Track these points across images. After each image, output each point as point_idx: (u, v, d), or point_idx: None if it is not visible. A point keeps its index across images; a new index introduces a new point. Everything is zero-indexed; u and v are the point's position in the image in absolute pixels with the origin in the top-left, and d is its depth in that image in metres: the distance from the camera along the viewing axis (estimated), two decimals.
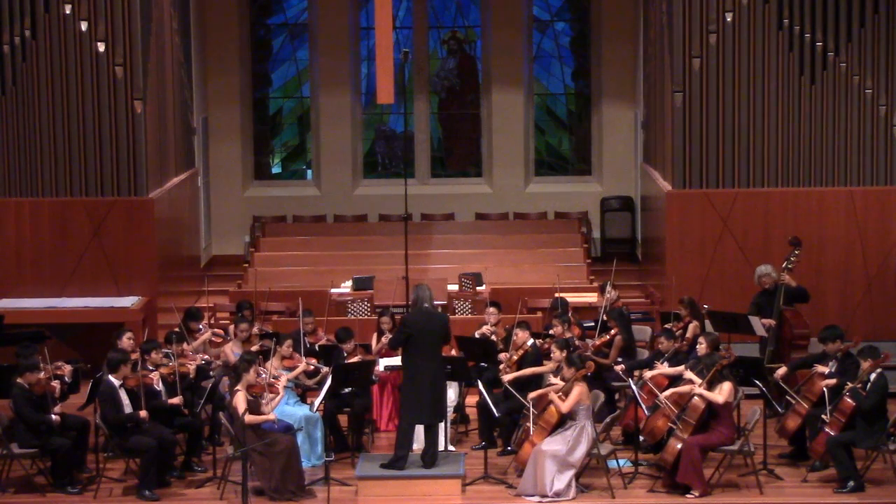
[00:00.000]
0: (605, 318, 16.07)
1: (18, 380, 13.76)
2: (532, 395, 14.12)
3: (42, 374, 13.88)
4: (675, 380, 14.32)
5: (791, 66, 18.10)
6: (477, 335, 15.93)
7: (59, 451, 13.79)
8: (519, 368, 15.01)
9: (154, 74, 18.71)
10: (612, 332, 15.77)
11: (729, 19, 17.99)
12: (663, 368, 14.58)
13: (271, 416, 13.55)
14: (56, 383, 13.91)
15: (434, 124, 24.10)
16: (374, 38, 17.32)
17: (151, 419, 13.81)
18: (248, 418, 13.47)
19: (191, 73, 21.59)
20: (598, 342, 15.75)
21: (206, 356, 15.35)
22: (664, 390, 14.10)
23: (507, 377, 14.85)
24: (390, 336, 15.00)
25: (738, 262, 18.05)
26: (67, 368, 14.49)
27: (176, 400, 14.12)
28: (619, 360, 15.56)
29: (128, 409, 13.76)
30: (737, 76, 18.07)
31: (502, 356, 15.26)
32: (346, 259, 20.83)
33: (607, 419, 14.14)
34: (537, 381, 14.74)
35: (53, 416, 13.72)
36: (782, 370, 14.84)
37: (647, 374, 14.55)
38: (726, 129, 18.13)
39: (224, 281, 20.70)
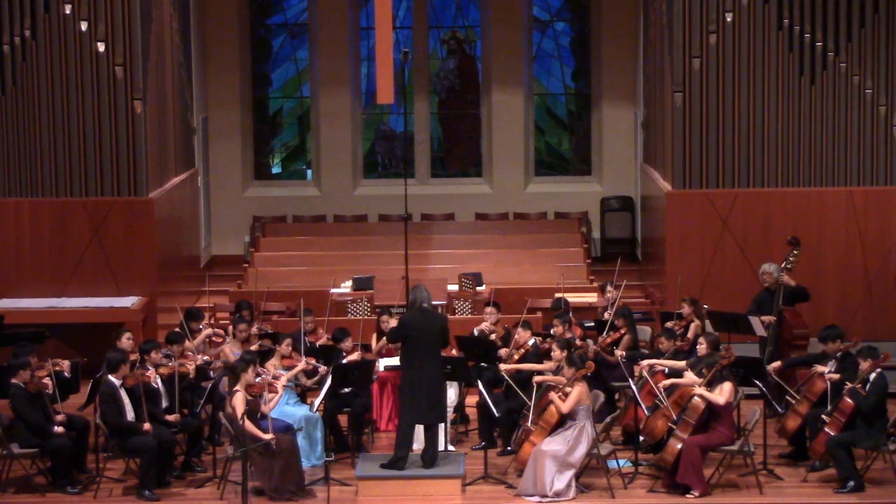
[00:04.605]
0: (606, 316, 16.09)
1: (13, 380, 13.76)
2: (537, 378, 14.14)
3: (42, 371, 13.89)
4: (675, 376, 14.35)
5: (791, 66, 18.09)
6: (475, 332, 15.94)
7: (59, 451, 13.78)
8: None
9: (154, 74, 18.71)
10: (622, 330, 15.79)
11: (729, 19, 17.98)
12: (664, 362, 14.62)
13: (269, 437, 13.43)
14: (48, 380, 13.89)
15: (434, 124, 24.09)
16: (374, 38, 17.31)
17: (151, 420, 13.80)
18: (248, 428, 13.38)
19: (191, 73, 21.58)
20: (607, 339, 15.75)
21: (206, 356, 15.34)
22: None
23: (504, 367, 14.85)
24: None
25: (738, 262, 18.04)
26: (66, 363, 14.49)
27: (172, 418, 14.07)
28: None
29: (128, 408, 13.76)
30: (737, 76, 18.06)
31: (502, 352, 15.27)
32: (346, 259, 20.82)
33: (607, 419, 14.13)
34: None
35: (57, 429, 13.72)
36: (776, 364, 14.86)
37: (645, 362, 14.55)
38: (726, 129, 18.13)
39: (224, 281, 20.68)
